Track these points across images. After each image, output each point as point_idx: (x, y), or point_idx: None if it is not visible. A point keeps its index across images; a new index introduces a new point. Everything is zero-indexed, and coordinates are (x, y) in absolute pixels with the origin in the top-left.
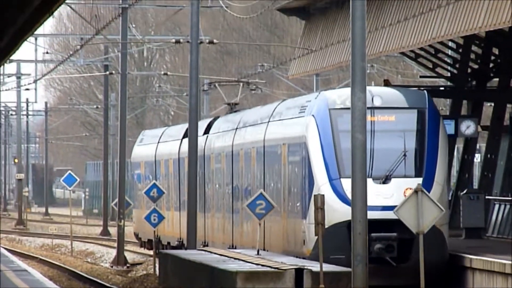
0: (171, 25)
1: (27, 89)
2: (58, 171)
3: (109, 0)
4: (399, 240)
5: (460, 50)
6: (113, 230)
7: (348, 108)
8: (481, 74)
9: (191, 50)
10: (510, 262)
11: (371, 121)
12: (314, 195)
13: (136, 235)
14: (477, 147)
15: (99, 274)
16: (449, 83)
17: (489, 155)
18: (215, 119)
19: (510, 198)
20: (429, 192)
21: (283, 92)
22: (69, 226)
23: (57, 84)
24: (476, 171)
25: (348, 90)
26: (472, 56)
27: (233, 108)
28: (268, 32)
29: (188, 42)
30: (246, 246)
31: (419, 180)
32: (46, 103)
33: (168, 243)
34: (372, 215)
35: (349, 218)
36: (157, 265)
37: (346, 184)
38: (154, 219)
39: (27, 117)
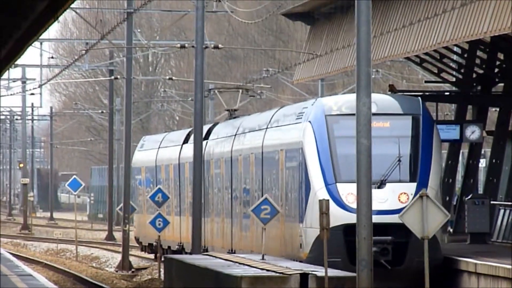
0: (176, 30)
1: (32, 94)
2: (63, 175)
3: (114, 5)
4: (394, 244)
5: (465, 55)
6: (118, 235)
7: (344, 115)
8: (486, 79)
9: (196, 55)
10: None
11: None
12: (319, 200)
13: (137, 239)
14: (482, 152)
15: (104, 279)
16: (454, 88)
17: (494, 160)
18: (214, 125)
19: None
20: None
21: (288, 97)
22: (74, 231)
23: (62, 89)
24: (481, 176)
25: (344, 97)
26: (477, 61)
27: (232, 114)
28: (273, 37)
29: (193, 47)
30: (245, 251)
31: (414, 185)
32: (51, 108)
33: (169, 247)
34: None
35: (345, 222)
36: (162, 270)
37: (342, 189)
38: (159, 224)
39: (32, 121)
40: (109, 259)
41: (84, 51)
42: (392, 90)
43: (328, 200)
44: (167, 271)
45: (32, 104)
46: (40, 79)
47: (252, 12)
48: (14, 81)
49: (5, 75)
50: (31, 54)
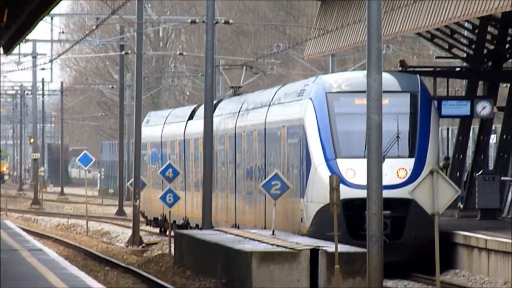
0: (186, 5)
1: (43, 69)
2: (74, 151)
3: None
4: (392, 218)
5: (476, 31)
6: (128, 210)
7: (344, 92)
8: (497, 55)
9: (207, 30)
10: None
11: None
12: (330, 176)
13: (142, 214)
14: (493, 128)
15: (115, 254)
16: (465, 64)
17: (504, 136)
18: (218, 102)
19: None
20: (421, 172)
21: (299, 73)
22: (85, 206)
23: (72, 64)
24: (492, 152)
25: (344, 74)
26: (488, 37)
27: (236, 91)
28: (283, 12)
29: (203, 22)
30: (248, 225)
31: (412, 161)
32: (61, 83)
33: (174, 221)
34: (366, 194)
35: (345, 197)
36: (172, 245)
37: (342, 165)
38: (170, 199)
39: (43, 96)
40: (120, 234)
41: (94, 26)
42: (403, 65)
43: (338, 176)
44: (178, 246)
45: (43, 79)
46: (50, 54)
47: None
48: (24, 56)
49: (15, 50)
50: (41, 29)
